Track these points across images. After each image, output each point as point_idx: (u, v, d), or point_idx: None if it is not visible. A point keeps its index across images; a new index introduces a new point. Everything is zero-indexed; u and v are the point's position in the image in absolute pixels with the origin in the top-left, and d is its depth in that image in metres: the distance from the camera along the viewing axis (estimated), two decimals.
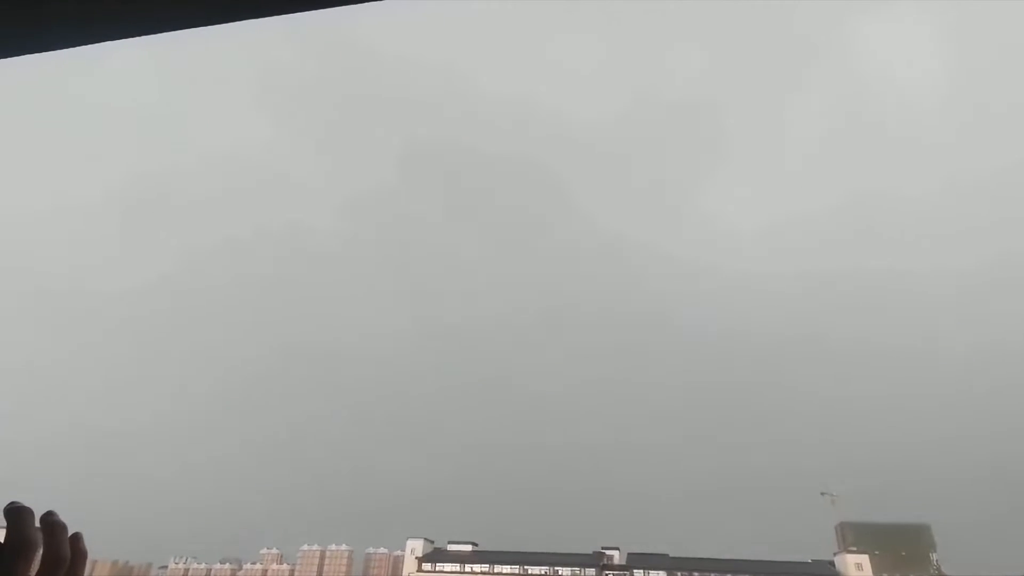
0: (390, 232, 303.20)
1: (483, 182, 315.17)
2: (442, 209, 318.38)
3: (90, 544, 1.46)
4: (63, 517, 1.38)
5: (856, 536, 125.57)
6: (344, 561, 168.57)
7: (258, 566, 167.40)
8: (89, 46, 2.24)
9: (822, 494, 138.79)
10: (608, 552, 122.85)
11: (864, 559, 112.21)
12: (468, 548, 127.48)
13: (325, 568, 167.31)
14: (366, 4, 2.22)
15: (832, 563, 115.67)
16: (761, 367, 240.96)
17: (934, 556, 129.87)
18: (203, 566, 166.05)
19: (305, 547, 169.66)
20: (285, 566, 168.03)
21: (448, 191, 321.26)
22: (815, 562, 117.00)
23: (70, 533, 1.43)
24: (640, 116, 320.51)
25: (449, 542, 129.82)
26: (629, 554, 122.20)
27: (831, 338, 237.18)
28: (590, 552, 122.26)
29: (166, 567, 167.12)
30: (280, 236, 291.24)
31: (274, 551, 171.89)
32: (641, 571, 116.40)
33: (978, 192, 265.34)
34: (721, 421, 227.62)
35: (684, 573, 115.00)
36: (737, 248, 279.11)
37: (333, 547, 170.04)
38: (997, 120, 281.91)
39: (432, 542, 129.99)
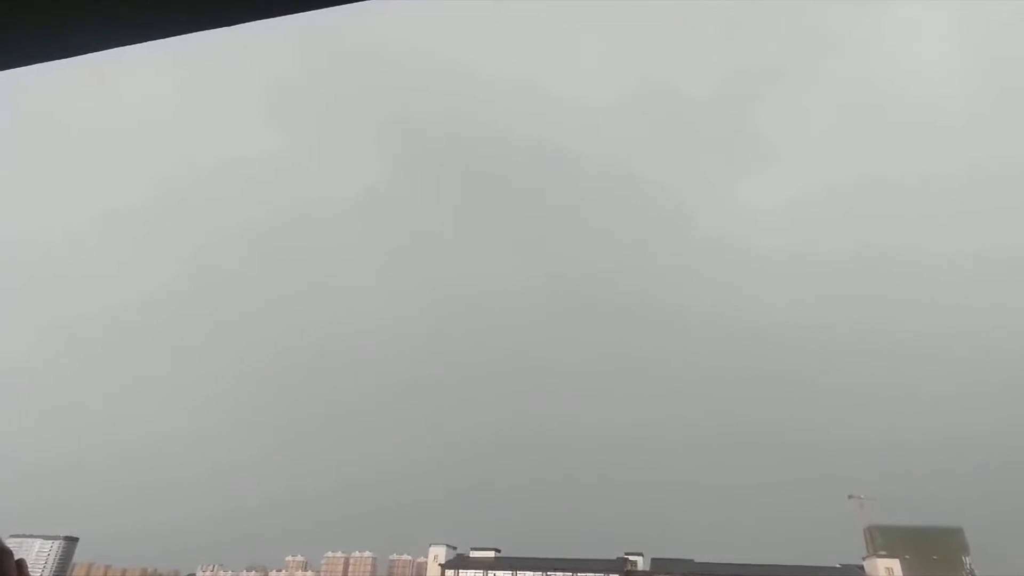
0: (397, 224, 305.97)
1: (489, 167, 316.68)
2: (446, 195, 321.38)
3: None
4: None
5: (886, 540, 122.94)
6: (368, 567, 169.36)
7: (283, 573, 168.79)
8: (95, 53, 2.31)
9: (850, 497, 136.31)
10: (632, 558, 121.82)
11: (895, 563, 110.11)
12: (491, 554, 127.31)
13: (349, 574, 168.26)
14: (368, 3, 2.27)
15: (861, 567, 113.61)
16: (785, 361, 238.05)
17: (967, 559, 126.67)
18: (230, 573, 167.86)
19: (329, 554, 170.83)
20: (310, 573, 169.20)
21: (452, 179, 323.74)
22: (844, 567, 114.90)
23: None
24: (648, 101, 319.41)
25: (472, 548, 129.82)
26: (653, 559, 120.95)
27: (860, 330, 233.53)
28: (614, 558, 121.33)
29: (194, 574, 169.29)
30: (287, 230, 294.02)
31: (299, 558, 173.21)
32: None
33: (1000, 176, 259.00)
34: (746, 422, 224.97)
35: None
36: (761, 229, 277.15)
37: (357, 553, 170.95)
38: (1018, 105, 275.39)
39: (455, 548, 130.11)
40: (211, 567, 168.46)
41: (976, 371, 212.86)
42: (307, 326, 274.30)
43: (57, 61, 2.31)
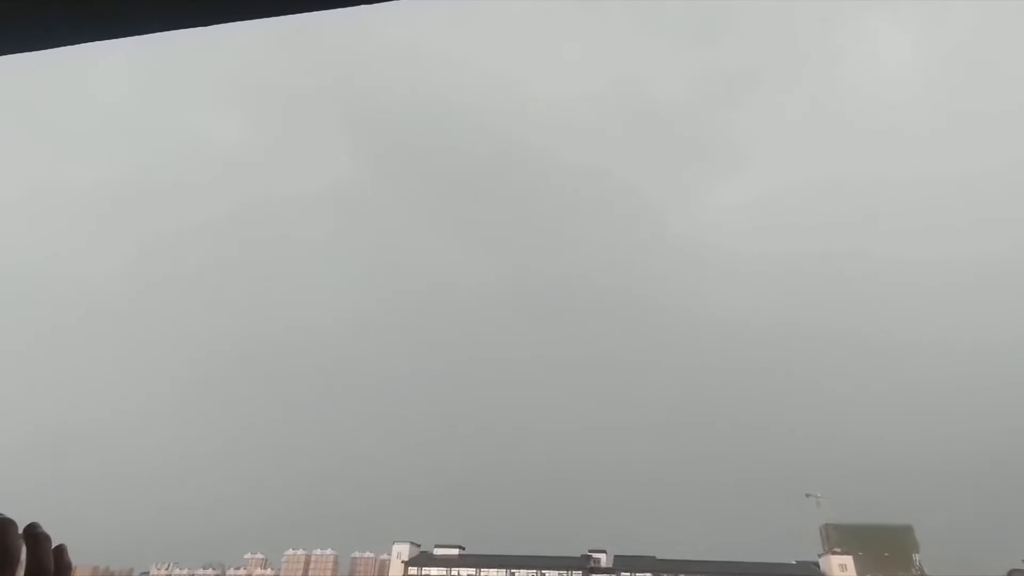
0: (364, 220, 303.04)
1: (459, 164, 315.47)
2: (415, 192, 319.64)
3: (70, 550, 1.40)
4: (45, 527, 1.34)
5: (840, 537, 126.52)
6: (329, 565, 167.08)
7: (242, 571, 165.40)
8: (75, 46, 2.28)
9: (807, 495, 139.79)
10: (595, 555, 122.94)
11: (848, 560, 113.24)
12: (455, 552, 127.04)
13: (310, 573, 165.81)
14: (354, 7, 2.25)
15: (817, 564, 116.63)
16: (748, 362, 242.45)
17: (916, 557, 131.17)
18: (185, 571, 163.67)
19: (290, 551, 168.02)
20: (269, 571, 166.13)
21: (421, 175, 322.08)
22: (800, 563, 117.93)
23: (54, 545, 1.38)
24: (624, 102, 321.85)
25: (436, 546, 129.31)
26: (616, 556, 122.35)
27: (821, 332, 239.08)
28: (577, 555, 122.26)
29: (147, 573, 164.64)
30: (252, 223, 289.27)
31: (258, 556, 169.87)
32: (628, 573, 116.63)
33: (985, 187, 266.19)
34: (708, 422, 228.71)
35: (670, 575, 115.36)
36: (729, 231, 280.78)
37: (318, 551, 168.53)
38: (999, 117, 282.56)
39: (419, 546, 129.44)
40: (166, 565, 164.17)
41: (936, 377, 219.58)
42: (271, 321, 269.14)
43: (20, 54, 2.26)
